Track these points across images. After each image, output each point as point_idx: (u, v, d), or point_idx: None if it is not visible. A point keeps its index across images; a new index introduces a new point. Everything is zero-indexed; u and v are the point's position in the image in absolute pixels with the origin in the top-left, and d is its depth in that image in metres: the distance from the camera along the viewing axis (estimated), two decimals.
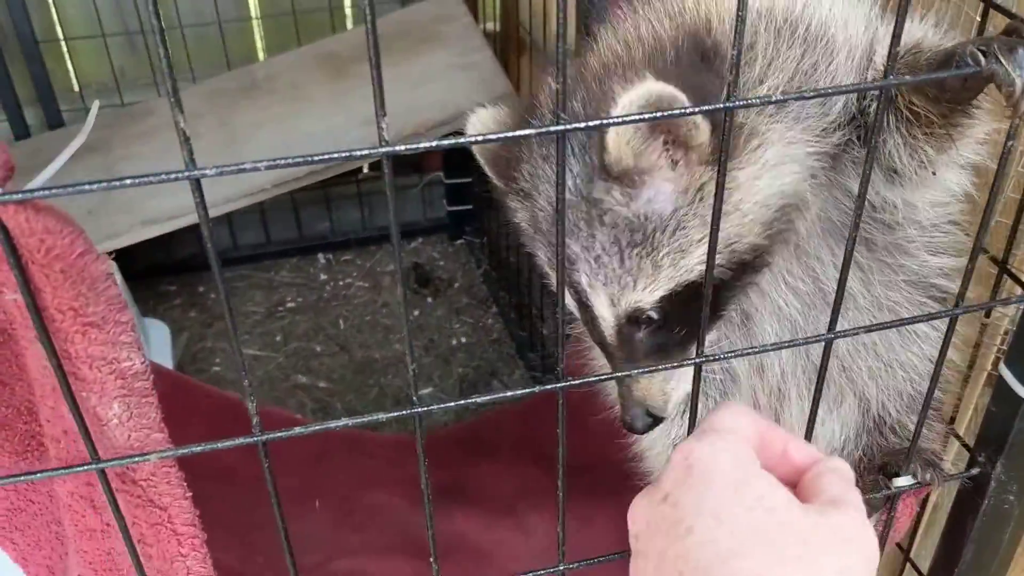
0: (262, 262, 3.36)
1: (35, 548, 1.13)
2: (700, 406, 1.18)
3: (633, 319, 0.99)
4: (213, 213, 2.63)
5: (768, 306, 1.11)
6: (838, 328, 0.88)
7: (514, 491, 1.89)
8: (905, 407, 1.18)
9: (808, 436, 1.00)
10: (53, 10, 3.08)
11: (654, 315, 0.99)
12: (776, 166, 0.96)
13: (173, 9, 3.02)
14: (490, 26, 3.01)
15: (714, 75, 0.94)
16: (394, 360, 3.03)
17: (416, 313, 3.22)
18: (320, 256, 3.43)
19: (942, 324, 1.04)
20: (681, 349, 1.01)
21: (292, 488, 1.75)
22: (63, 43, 3.13)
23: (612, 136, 0.89)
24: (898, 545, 1.36)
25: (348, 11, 3.30)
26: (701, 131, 0.91)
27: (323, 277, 3.36)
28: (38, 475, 0.77)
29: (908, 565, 1.37)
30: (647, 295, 0.97)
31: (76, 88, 3.19)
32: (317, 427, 0.84)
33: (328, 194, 3.33)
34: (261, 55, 3.27)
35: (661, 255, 0.96)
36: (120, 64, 3.14)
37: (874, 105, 0.98)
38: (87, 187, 0.67)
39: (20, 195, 0.66)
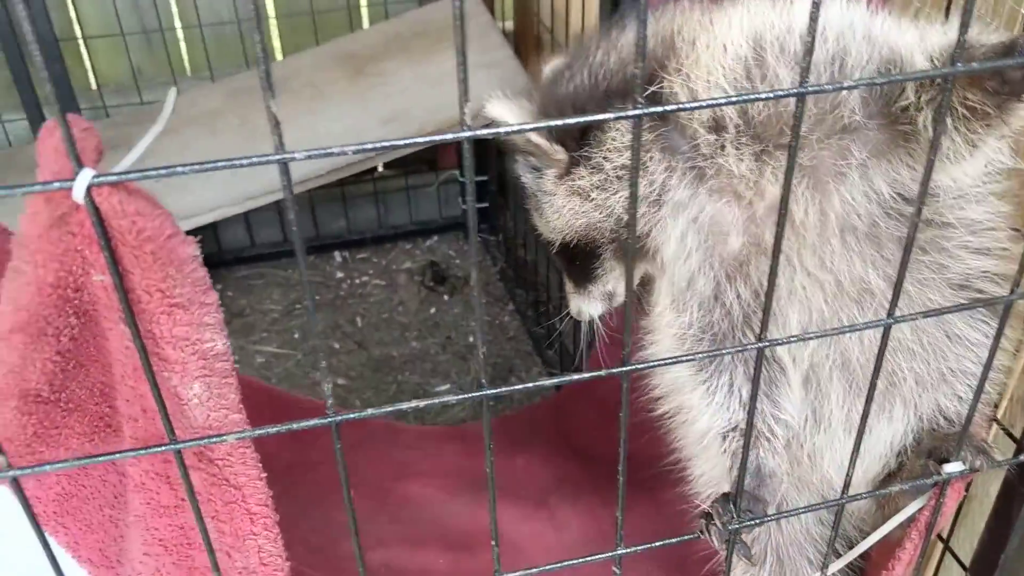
0: (279, 260, 3.38)
1: (87, 532, 1.14)
2: (746, 393, 1.21)
3: (547, 241, 1.31)
4: (236, 210, 2.67)
5: (787, 295, 1.13)
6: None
7: (547, 485, 1.91)
8: (964, 403, 1.19)
9: (859, 437, 1.00)
10: (72, 9, 3.09)
11: (555, 245, 1.29)
12: (581, 200, 1.19)
13: (192, 8, 3.04)
14: (508, 25, 3.02)
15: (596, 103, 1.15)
16: (411, 357, 3.04)
17: (433, 311, 3.24)
18: (336, 254, 3.44)
19: (993, 331, 1.08)
20: (583, 275, 1.30)
21: (327, 477, 1.76)
22: (81, 42, 3.14)
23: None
24: (938, 535, 1.37)
25: (364, 10, 3.31)
26: (554, 152, 1.17)
27: (339, 275, 3.37)
28: (120, 455, 0.78)
29: (947, 555, 1.38)
30: (545, 234, 1.29)
31: (94, 87, 3.20)
32: (388, 408, 0.85)
33: (344, 193, 3.34)
34: (278, 55, 3.28)
35: (543, 216, 1.27)
36: (137, 63, 3.15)
37: (924, 113, 1.00)
38: (179, 170, 0.68)
39: (115, 177, 0.67)
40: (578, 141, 1.15)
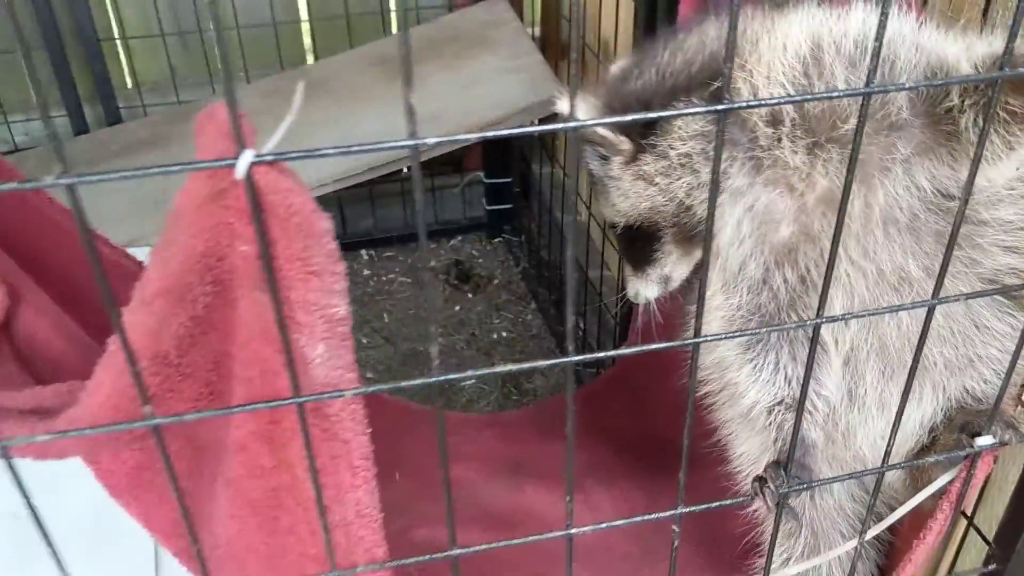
0: None
1: (159, 504, 1.21)
2: (791, 370, 1.30)
3: (611, 224, 1.38)
4: None
5: (832, 281, 1.21)
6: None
7: (581, 469, 1.99)
8: (990, 386, 1.28)
9: (900, 412, 1.08)
10: (110, 10, 3.19)
11: (618, 227, 1.36)
12: (648, 185, 1.26)
13: (230, 10, 3.14)
14: (538, 31, 3.12)
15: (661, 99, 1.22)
16: (437, 353, 3.13)
17: (457, 308, 3.33)
18: (363, 252, 3.54)
19: (1019, 324, 1.21)
20: (642, 258, 1.37)
21: (376, 458, 1.85)
22: (118, 42, 3.24)
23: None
24: (962, 512, 1.46)
25: (394, 15, 3.40)
26: (619, 142, 1.23)
27: (367, 272, 3.46)
28: (252, 407, 0.87)
29: (969, 532, 1.47)
30: (610, 217, 1.37)
31: (130, 85, 3.30)
32: (484, 371, 0.94)
33: (372, 192, 3.43)
34: (310, 57, 3.38)
35: (608, 200, 1.34)
36: (173, 63, 3.25)
37: (966, 116, 1.09)
38: (325, 151, 0.78)
39: (272, 157, 0.77)
40: (642, 131, 1.24)
